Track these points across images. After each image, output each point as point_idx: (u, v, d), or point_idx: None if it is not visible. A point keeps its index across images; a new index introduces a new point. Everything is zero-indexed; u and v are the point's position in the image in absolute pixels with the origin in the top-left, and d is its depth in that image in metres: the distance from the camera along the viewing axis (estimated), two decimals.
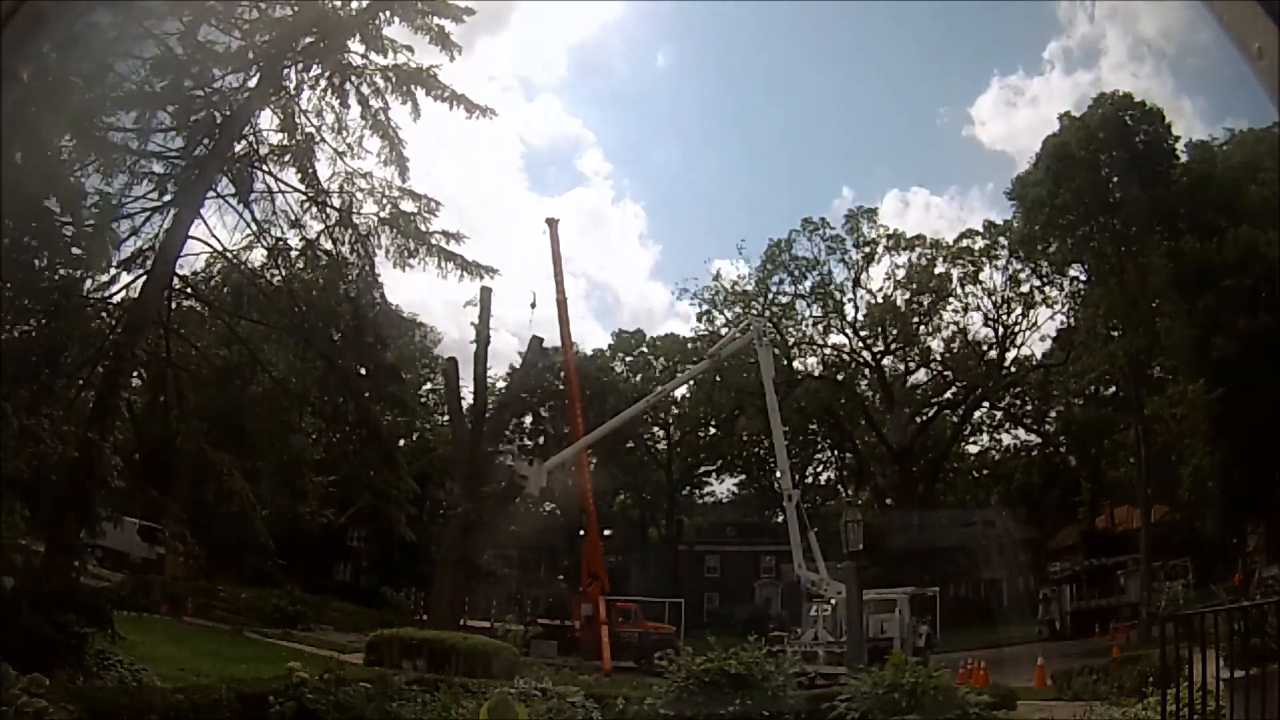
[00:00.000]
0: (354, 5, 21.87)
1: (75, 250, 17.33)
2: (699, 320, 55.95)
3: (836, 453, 60.68)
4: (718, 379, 50.63)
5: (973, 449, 59.87)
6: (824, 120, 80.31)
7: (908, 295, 53.39)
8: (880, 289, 53.76)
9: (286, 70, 21.12)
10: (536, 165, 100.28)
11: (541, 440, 50.31)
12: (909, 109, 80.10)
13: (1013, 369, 53.03)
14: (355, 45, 21.51)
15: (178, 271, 20.33)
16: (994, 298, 52.02)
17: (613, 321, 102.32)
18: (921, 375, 57.10)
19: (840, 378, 55.14)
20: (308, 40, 21.02)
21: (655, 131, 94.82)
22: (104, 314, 19.34)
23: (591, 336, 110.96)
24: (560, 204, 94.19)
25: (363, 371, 22.85)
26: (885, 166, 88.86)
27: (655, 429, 58.26)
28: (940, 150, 77.88)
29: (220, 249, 21.21)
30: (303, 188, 21.52)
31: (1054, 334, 49.66)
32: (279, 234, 21.81)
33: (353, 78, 21.61)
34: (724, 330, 50.32)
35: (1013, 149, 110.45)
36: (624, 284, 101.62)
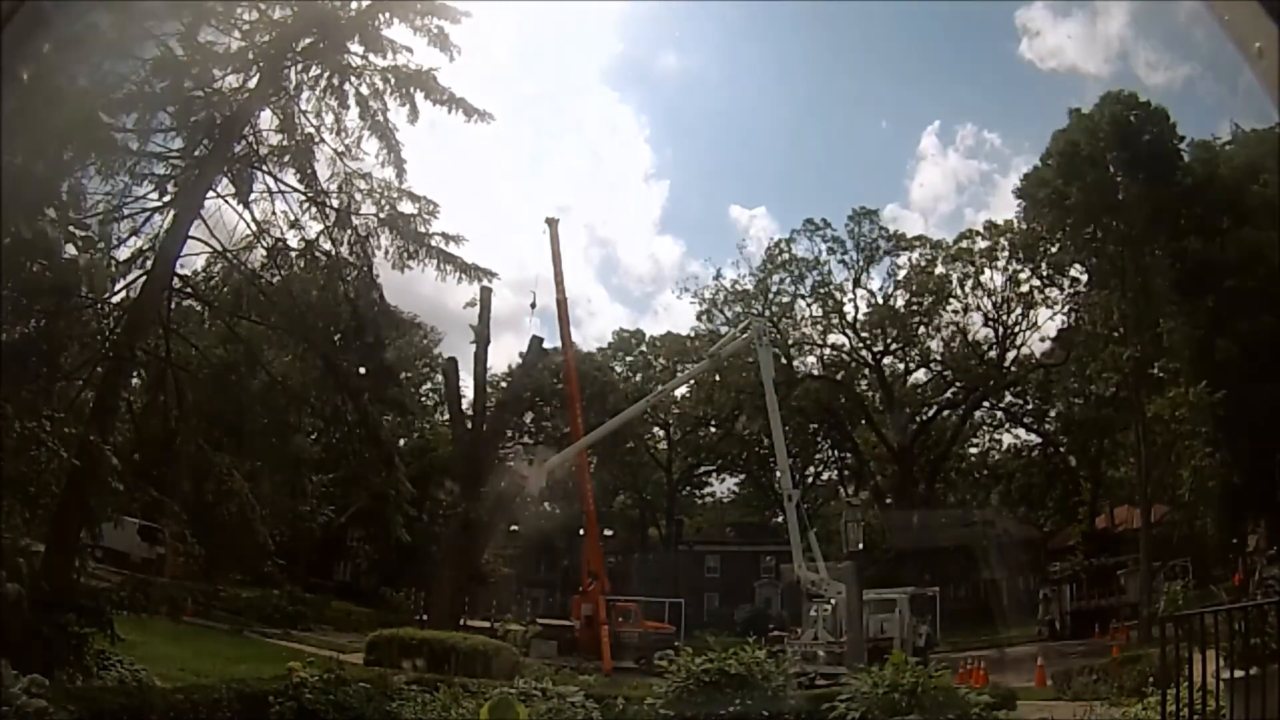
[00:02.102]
0: (354, 6, 21.89)
1: (75, 251, 17.33)
2: (699, 319, 56.11)
3: (836, 453, 60.72)
4: (718, 379, 50.66)
5: (973, 449, 59.98)
6: (857, 37, 67.80)
7: (908, 295, 53.46)
8: (880, 289, 53.92)
9: (286, 71, 21.12)
10: (525, 88, 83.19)
11: (541, 440, 50.32)
12: (952, 20, 63.11)
13: (1013, 369, 53.04)
14: (355, 46, 21.53)
15: (178, 271, 20.33)
16: (994, 298, 52.08)
17: (616, 282, 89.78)
18: (921, 375, 57.21)
19: (840, 377, 55.18)
20: (307, 41, 21.03)
21: (661, 46, 79.88)
22: (104, 314, 19.32)
23: (595, 299, 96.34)
24: (551, 138, 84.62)
25: (362, 372, 22.84)
26: (927, 93, 71.91)
27: (655, 429, 58.26)
28: (987, 73, 65.97)
29: (220, 249, 21.20)
30: (302, 188, 21.52)
31: (1054, 334, 49.71)
32: (279, 234, 21.83)
33: (352, 78, 21.62)
34: (724, 330, 50.36)
35: (1061, 66, 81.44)
36: (627, 238, 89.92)
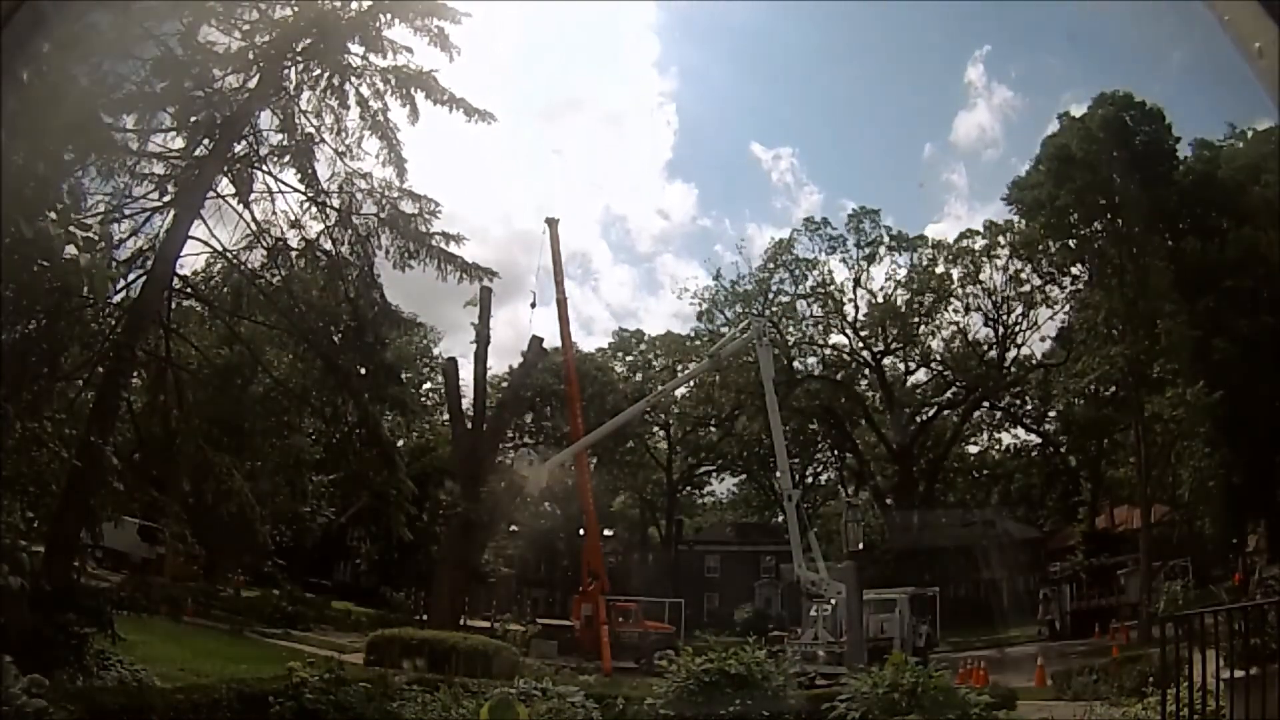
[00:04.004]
0: (354, 6, 21.89)
1: (75, 250, 17.29)
2: (699, 320, 56.19)
3: (836, 453, 60.76)
4: (718, 379, 50.69)
5: (973, 449, 60.07)
6: None
7: (908, 295, 53.53)
8: (881, 289, 53.99)
9: (286, 71, 21.13)
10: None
11: (542, 440, 50.33)
12: None
13: (1013, 369, 53.14)
14: (355, 47, 21.55)
15: (178, 271, 20.32)
16: (994, 298, 52.16)
17: (617, 238, 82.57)
18: (921, 375, 57.33)
19: (840, 377, 55.24)
20: (307, 41, 21.03)
21: None
22: (104, 314, 19.30)
23: (597, 258, 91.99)
24: (538, 64, 75.92)
25: (363, 371, 22.83)
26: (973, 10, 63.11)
27: (655, 429, 58.28)
28: None
29: (220, 249, 21.19)
30: (302, 188, 21.53)
31: (1054, 334, 49.77)
32: (279, 234, 21.82)
33: (352, 78, 21.64)
34: (724, 330, 50.40)
35: None
36: (631, 182, 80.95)
